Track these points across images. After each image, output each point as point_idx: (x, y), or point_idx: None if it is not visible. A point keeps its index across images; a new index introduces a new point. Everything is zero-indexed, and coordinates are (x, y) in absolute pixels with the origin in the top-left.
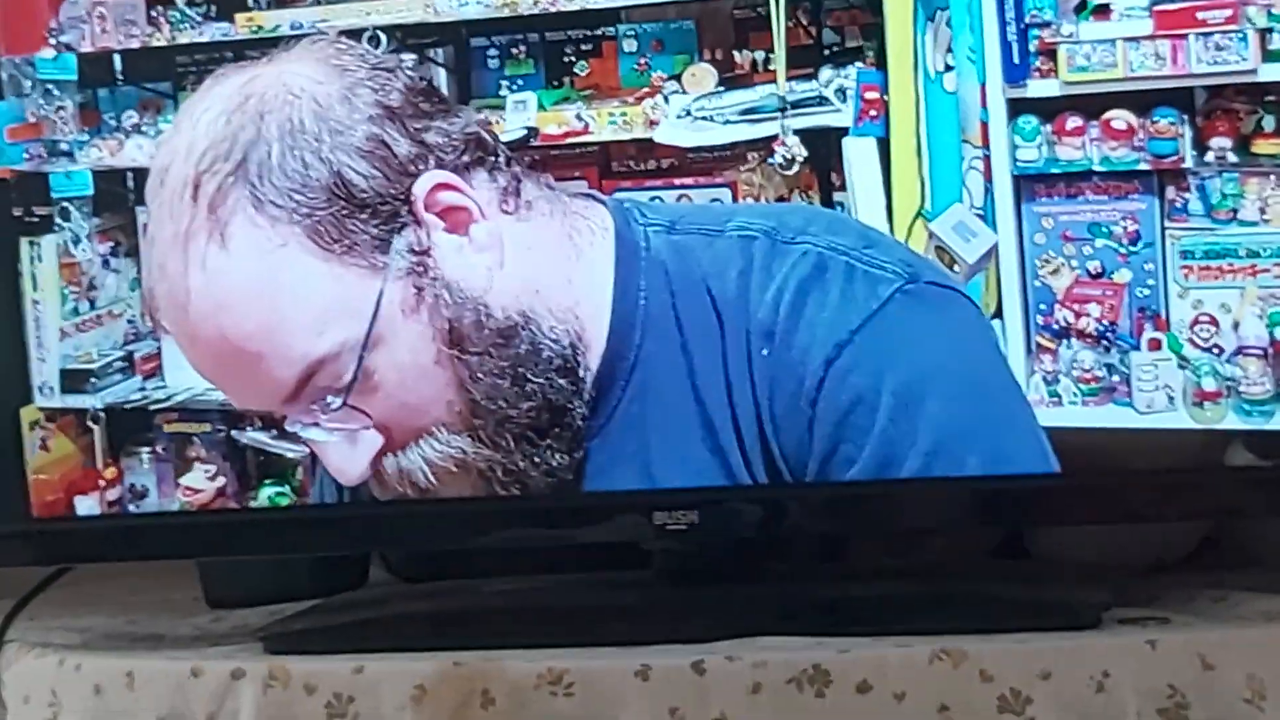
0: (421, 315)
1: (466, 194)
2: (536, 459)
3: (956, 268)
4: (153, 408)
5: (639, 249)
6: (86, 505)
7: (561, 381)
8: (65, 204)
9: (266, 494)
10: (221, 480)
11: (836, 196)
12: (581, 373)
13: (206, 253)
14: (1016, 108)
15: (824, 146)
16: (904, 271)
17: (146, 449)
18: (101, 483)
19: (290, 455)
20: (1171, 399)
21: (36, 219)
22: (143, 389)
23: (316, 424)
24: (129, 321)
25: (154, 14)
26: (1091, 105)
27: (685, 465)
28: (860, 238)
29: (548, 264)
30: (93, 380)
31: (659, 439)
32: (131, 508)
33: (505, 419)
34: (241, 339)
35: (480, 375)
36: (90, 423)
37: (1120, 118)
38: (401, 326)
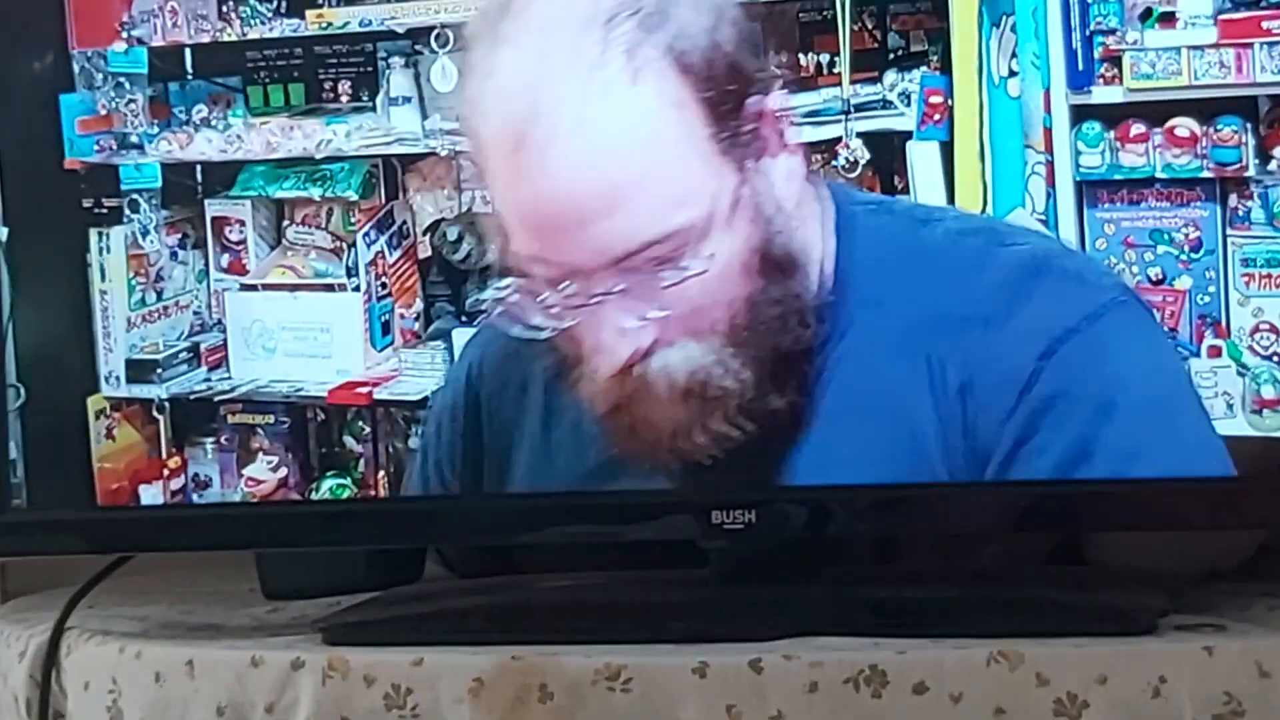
0: (746, 225)
1: (791, 126)
2: (768, 395)
3: None
4: (217, 399)
5: (855, 220)
6: (150, 494)
7: (805, 331)
8: (134, 196)
9: (328, 485)
10: (284, 471)
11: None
12: (816, 324)
13: (610, 90)
14: (1080, 114)
15: (887, 150)
16: (1118, 284)
17: (210, 439)
18: (165, 472)
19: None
20: (1230, 406)
21: (105, 210)
22: (207, 380)
23: (602, 299)
24: (195, 313)
25: (225, 9)
26: (1155, 112)
27: (877, 433)
28: (1068, 250)
29: (810, 215)
30: (158, 370)
31: (859, 404)
32: (195, 497)
33: (764, 346)
34: (608, 187)
35: (759, 298)
36: (155, 412)
37: (1184, 125)
38: (730, 230)
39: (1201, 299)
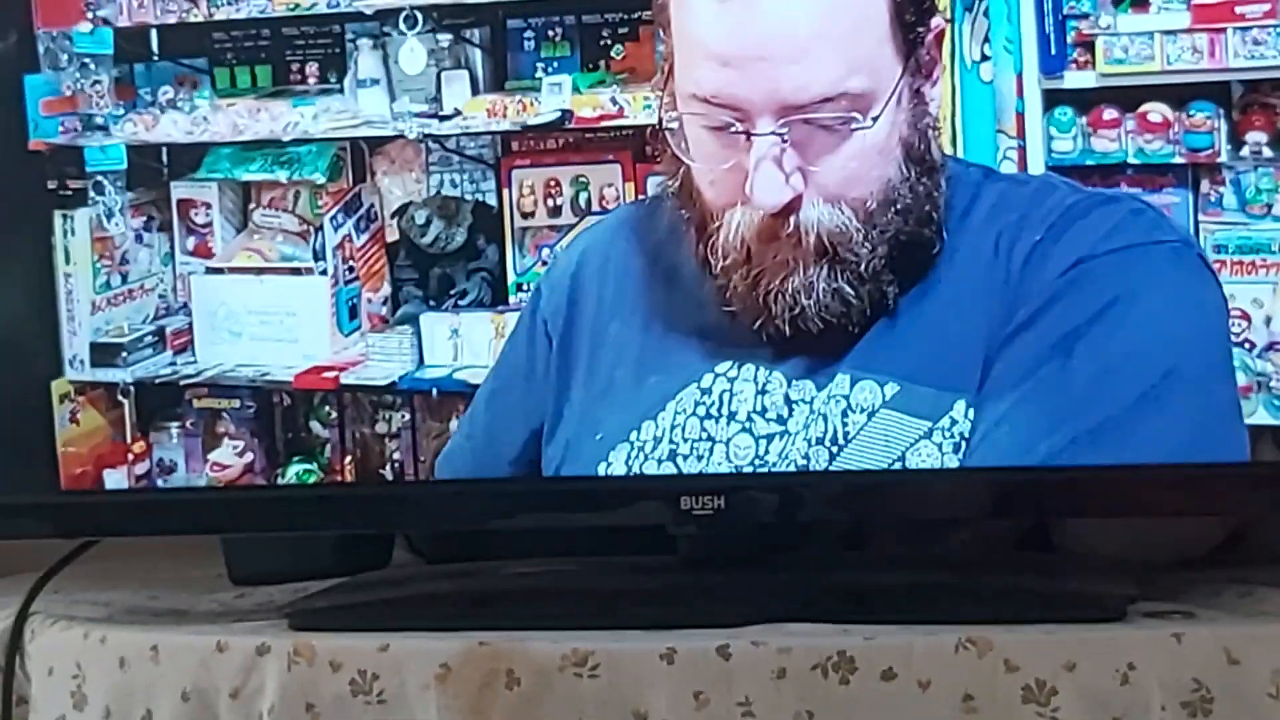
0: (904, 114)
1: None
2: (883, 274)
3: None
4: (183, 383)
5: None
6: (114, 479)
7: (923, 230)
8: (99, 178)
9: (294, 471)
10: (249, 456)
11: None
12: (934, 229)
13: None
14: (1052, 99)
15: None
16: (1187, 237)
17: (175, 424)
18: (130, 456)
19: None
20: None
21: (70, 192)
22: (173, 364)
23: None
24: (160, 296)
25: None
26: (1128, 98)
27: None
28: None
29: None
30: (123, 354)
31: (942, 309)
32: (159, 482)
33: (891, 228)
34: (803, 35)
35: (899, 184)
36: (120, 396)
37: (1156, 111)
38: (891, 114)
39: None
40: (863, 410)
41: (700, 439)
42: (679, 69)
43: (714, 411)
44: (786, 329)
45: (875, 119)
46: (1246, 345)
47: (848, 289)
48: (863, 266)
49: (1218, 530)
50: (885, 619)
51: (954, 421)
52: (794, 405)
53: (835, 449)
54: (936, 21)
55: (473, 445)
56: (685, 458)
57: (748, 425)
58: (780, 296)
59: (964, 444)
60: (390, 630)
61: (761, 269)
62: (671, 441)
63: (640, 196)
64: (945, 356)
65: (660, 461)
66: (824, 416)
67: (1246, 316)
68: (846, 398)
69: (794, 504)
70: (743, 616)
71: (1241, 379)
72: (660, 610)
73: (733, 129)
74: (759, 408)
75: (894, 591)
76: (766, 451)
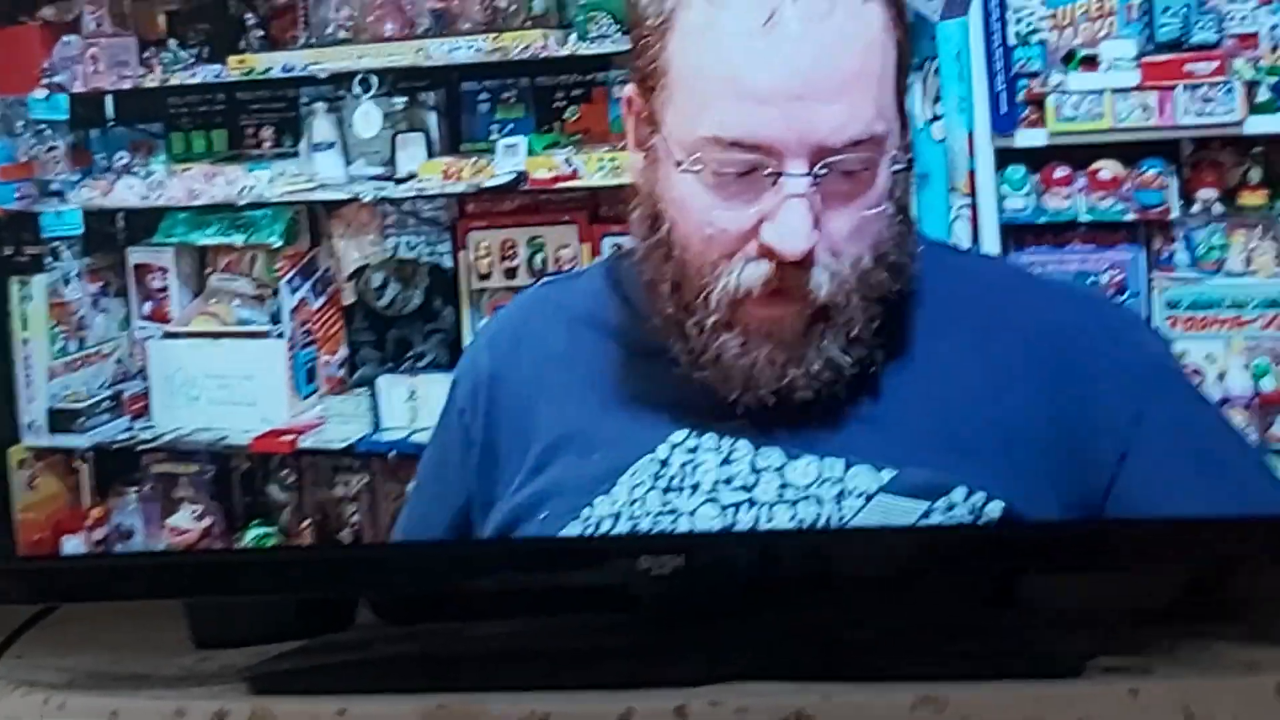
0: (903, 169)
1: None
2: (870, 343)
3: None
4: (140, 448)
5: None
6: (73, 544)
7: (908, 294)
8: (56, 243)
9: (252, 535)
10: (208, 520)
11: None
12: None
13: (850, 1)
14: (1004, 157)
15: None
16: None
17: (134, 489)
18: (88, 522)
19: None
20: None
21: (27, 258)
22: (130, 429)
23: (816, 181)
24: (118, 361)
25: (146, 55)
26: (1079, 155)
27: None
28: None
29: None
30: (81, 419)
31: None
32: (118, 547)
33: (882, 288)
34: (839, 75)
35: (889, 240)
36: (78, 462)
37: (1107, 168)
38: (894, 167)
39: None
40: (859, 495)
41: (662, 512)
42: (688, 112)
43: (676, 483)
44: (770, 399)
45: (887, 175)
46: None
47: (840, 356)
48: (855, 331)
49: (1174, 584)
50: (844, 676)
51: (953, 505)
52: (761, 474)
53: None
54: (912, 76)
55: (415, 515)
56: (648, 531)
57: (712, 495)
58: (770, 365)
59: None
60: (350, 693)
61: (749, 334)
62: (632, 517)
63: (551, 274)
64: (941, 439)
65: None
66: (817, 499)
67: (1200, 373)
68: (841, 481)
69: (752, 562)
70: (702, 675)
71: None
72: (619, 669)
73: (764, 171)
74: (724, 477)
75: (853, 648)
76: (734, 522)
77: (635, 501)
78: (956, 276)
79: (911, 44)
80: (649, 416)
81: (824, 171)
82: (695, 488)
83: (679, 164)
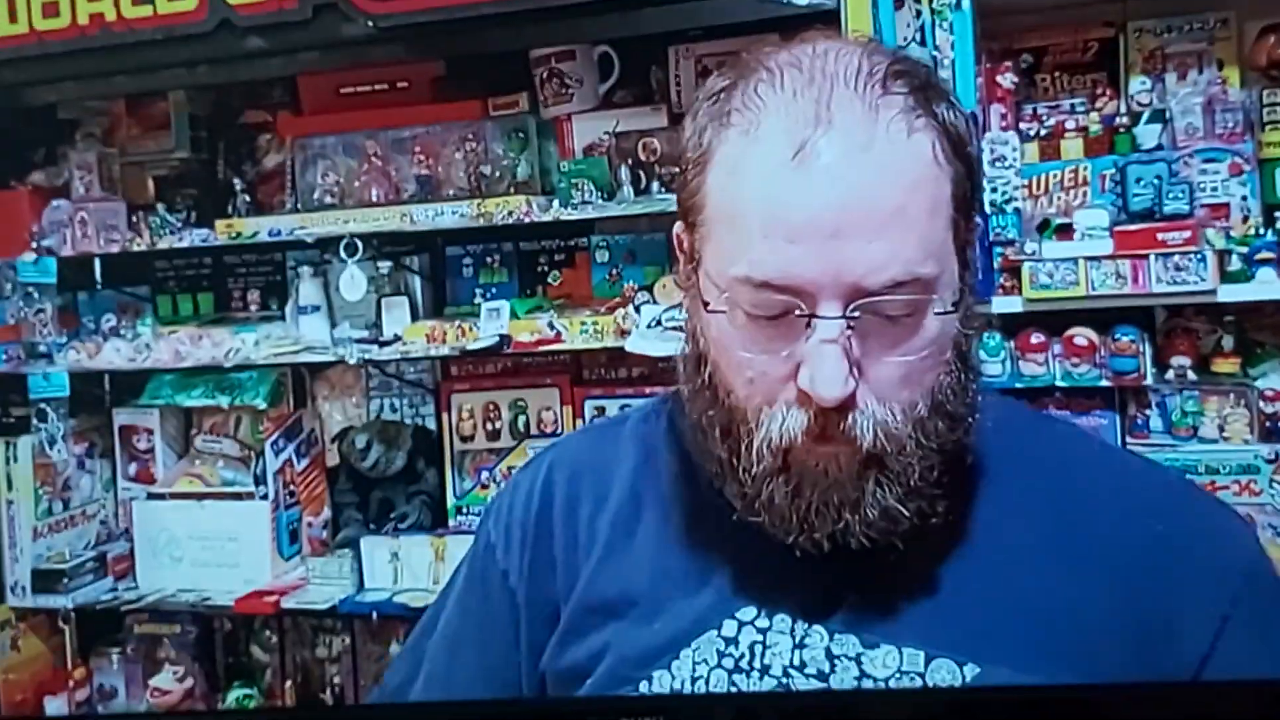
0: (960, 310)
1: None
2: (930, 493)
3: None
4: (124, 609)
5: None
6: (55, 706)
7: (968, 438)
8: (42, 405)
9: (234, 696)
10: (190, 681)
11: None
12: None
13: (892, 128)
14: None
15: None
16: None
17: (116, 649)
18: (71, 683)
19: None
20: None
21: (13, 419)
22: (114, 589)
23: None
24: (102, 522)
25: (134, 219)
26: (1054, 322)
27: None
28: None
29: None
30: (65, 580)
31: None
32: (100, 708)
33: (940, 437)
34: (879, 211)
35: (949, 388)
36: (61, 623)
37: (1082, 334)
38: (947, 311)
39: None
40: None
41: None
42: (722, 250)
43: (744, 665)
44: (825, 545)
45: (937, 320)
46: None
47: (896, 506)
48: (912, 480)
49: None
50: None
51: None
52: (837, 661)
53: None
54: (975, 223)
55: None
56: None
57: (785, 681)
58: (824, 511)
59: None
60: None
61: (800, 479)
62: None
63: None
64: (1021, 631)
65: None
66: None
67: None
68: (922, 676)
69: None
70: None
71: None
72: None
73: (796, 313)
74: (797, 662)
75: None
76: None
77: (698, 680)
78: (1034, 440)
79: (978, 177)
80: (715, 585)
81: (857, 315)
82: (765, 670)
83: (706, 305)
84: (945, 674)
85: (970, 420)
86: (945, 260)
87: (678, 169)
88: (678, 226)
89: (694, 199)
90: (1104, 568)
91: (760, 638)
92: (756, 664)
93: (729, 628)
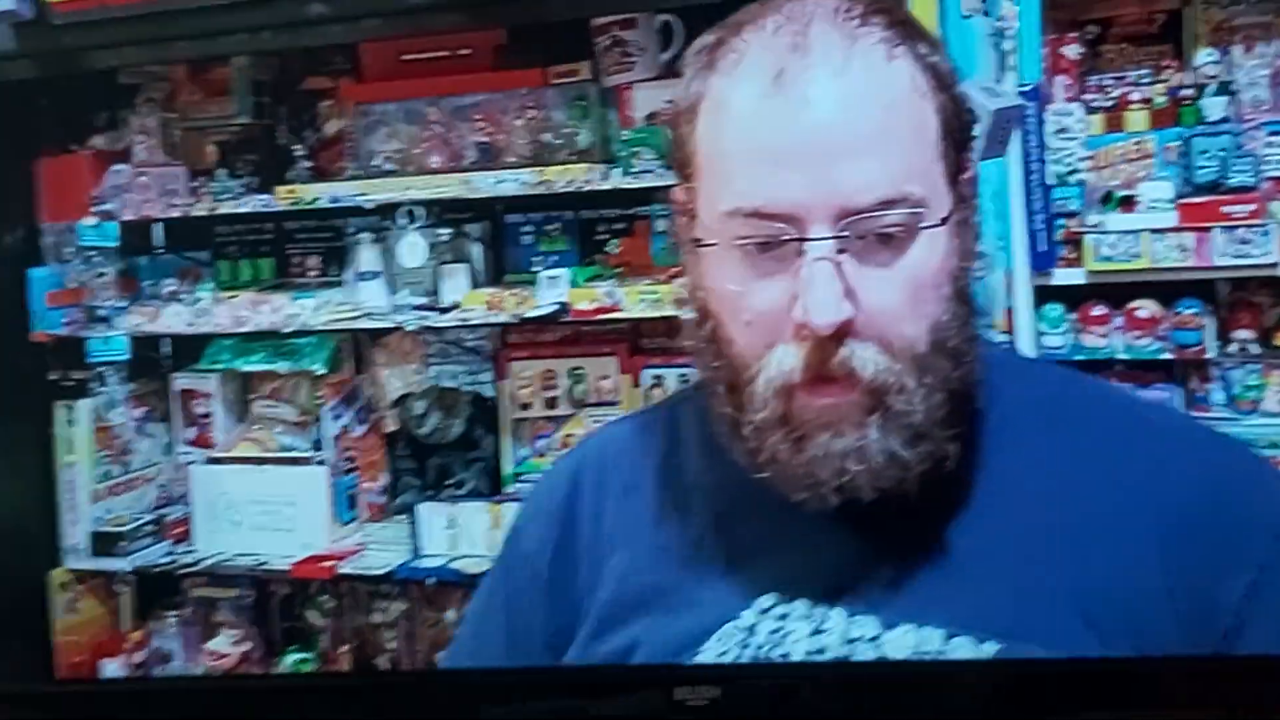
0: (953, 244)
1: None
2: (940, 432)
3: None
4: (181, 572)
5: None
6: (111, 668)
7: (973, 373)
8: (101, 369)
9: (290, 660)
10: (247, 645)
11: None
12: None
13: (870, 54)
14: (1042, 295)
15: None
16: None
17: (174, 613)
18: (127, 646)
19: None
20: None
21: (73, 383)
22: (171, 553)
23: (845, 249)
24: (160, 486)
25: (196, 184)
26: (1116, 294)
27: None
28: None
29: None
30: (123, 543)
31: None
32: (156, 671)
33: (940, 376)
34: (861, 130)
35: (945, 322)
36: (119, 585)
37: (1144, 307)
38: (941, 237)
39: None
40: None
41: None
42: (712, 191)
43: (764, 654)
44: (833, 498)
45: (929, 241)
46: None
47: (902, 451)
48: (916, 421)
49: None
50: None
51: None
52: (855, 645)
53: None
54: (970, 159)
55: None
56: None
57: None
58: (827, 460)
59: None
60: None
61: (804, 426)
62: None
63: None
64: (1045, 601)
65: None
66: None
67: None
68: (941, 654)
69: (791, 698)
70: None
71: None
72: None
73: (785, 237)
74: (815, 648)
75: None
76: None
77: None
78: (1054, 391)
79: (967, 116)
80: (736, 575)
81: (847, 234)
82: (785, 659)
83: (697, 240)
84: (965, 653)
85: (971, 357)
86: (934, 185)
87: (671, 129)
88: (675, 190)
89: (686, 150)
90: (1135, 524)
91: (780, 625)
92: (775, 652)
93: (749, 617)
